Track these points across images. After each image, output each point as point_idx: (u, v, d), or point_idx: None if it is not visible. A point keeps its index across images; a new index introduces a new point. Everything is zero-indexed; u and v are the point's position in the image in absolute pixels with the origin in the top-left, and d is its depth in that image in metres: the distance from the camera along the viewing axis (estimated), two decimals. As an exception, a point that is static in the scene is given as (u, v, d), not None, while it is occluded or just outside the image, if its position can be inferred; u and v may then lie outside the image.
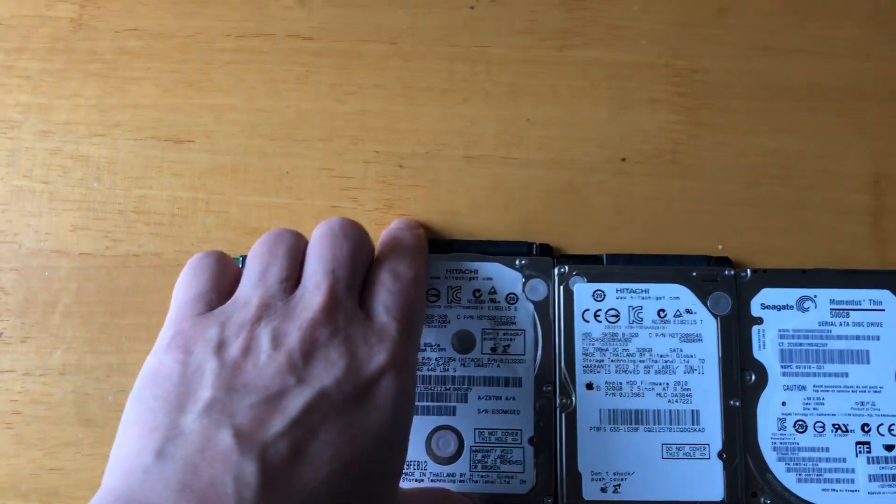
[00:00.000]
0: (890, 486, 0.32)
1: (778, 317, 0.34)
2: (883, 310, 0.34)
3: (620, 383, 0.33)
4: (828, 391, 0.33)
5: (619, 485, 0.32)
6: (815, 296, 0.34)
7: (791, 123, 0.36)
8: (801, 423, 0.33)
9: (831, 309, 0.34)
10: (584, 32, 0.36)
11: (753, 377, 0.33)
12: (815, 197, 0.35)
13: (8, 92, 0.36)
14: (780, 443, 0.33)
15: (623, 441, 0.32)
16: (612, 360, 0.33)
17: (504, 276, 0.33)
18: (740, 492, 0.32)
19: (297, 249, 0.29)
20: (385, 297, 0.28)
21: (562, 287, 0.33)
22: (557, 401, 0.32)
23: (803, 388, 0.33)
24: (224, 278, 0.29)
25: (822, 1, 0.36)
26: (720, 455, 0.32)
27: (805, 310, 0.34)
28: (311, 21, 0.37)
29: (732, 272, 0.34)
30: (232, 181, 0.35)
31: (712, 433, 0.32)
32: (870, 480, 0.33)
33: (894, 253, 0.35)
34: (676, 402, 0.32)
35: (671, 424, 0.32)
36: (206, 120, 0.36)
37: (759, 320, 0.34)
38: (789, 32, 0.36)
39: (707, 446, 0.32)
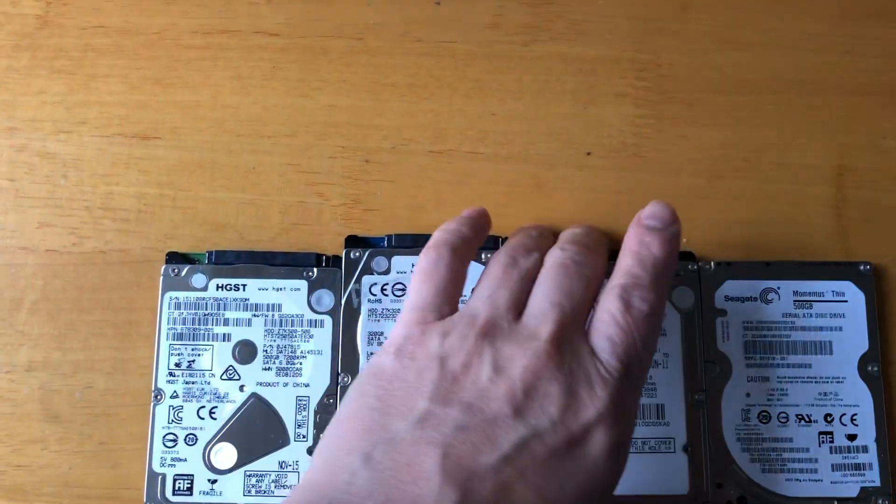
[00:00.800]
0: (852, 474, 0.33)
1: (742, 309, 0.34)
2: (846, 301, 0.34)
3: None
4: (791, 382, 0.33)
5: None
6: (779, 287, 0.34)
7: (754, 117, 0.36)
8: (764, 413, 0.33)
9: (794, 301, 0.34)
10: (548, 28, 0.37)
11: (718, 369, 0.33)
12: (778, 189, 0.35)
13: (-27, 89, 0.36)
14: (745, 433, 0.33)
15: None
16: None
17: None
18: (705, 484, 0.32)
19: (531, 273, 0.28)
20: (613, 333, 0.26)
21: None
22: None
23: (767, 378, 0.33)
24: (456, 286, 0.28)
25: (783, -5, 0.37)
26: (685, 448, 0.32)
27: (769, 301, 0.34)
28: (277, 17, 0.37)
29: (696, 266, 0.34)
30: (199, 177, 0.35)
31: (677, 427, 0.32)
32: (833, 470, 0.33)
33: (857, 245, 0.35)
34: (642, 396, 0.32)
35: (637, 419, 0.32)
36: (172, 116, 0.36)
37: (724, 312, 0.34)
38: (752, 27, 0.37)
39: (672, 440, 0.32)
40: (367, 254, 0.34)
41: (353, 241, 0.34)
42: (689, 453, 0.32)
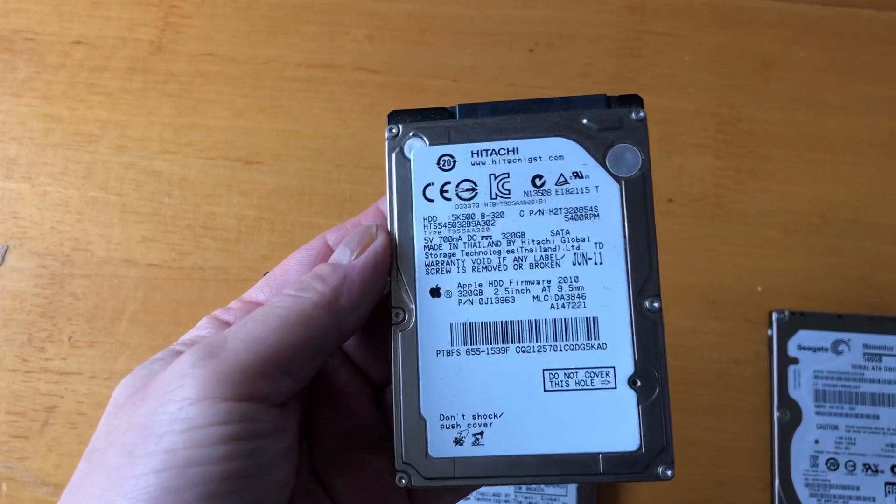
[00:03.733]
0: (917, 526, 0.34)
1: (813, 358, 0.35)
2: (913, 356, 0.35)
3: (480, 285, 0.24)
4: (859, 432, 0.35)
5: (480, 433, 0.23)
6: (849, 340, 0.35)
7: (830, 174, 0.38)
8: (832, 461, 0.34)
9: (864, 353, 0.35)
10: (636, 79, 0.38)
11: (789, 415, 0.35)
12: (850, 245, 0.37)
13: (89, 108, 0.38)
14: (813, 479, 0.34)
15: (486, 368, 0.23)
16: (468, 253, 0.24)
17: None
18: (664, 436, 0.22)
19: None
20: None
21: (394, 154, 0.25)
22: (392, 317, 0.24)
23: (836, 427, 0.35)
24: None
25: (863, 61, 0.39)
26: (632, 382, 0.23)
27: (839, 352, 0.35)
28: (379, 55, 0.39)
29: (642, 114, 0.24)
30: (297, 203, 0.37)
31: (618, 350, 0.23)
32: (898, 520, 0.34)
33: (925, 302, 0.36)
34: (563, 307, 0.23)
35: (556, 341, 0.23)
36: (274, 143, 0.38)
37: (796, 360, 0.35)
38: (830, 88, 0.39)
39: (611, 370, 0.23)
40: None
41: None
42: (638, 389, 0.23)
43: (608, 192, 0.24)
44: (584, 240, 0.24)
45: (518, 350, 0.23)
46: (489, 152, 0.25)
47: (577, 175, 0.24)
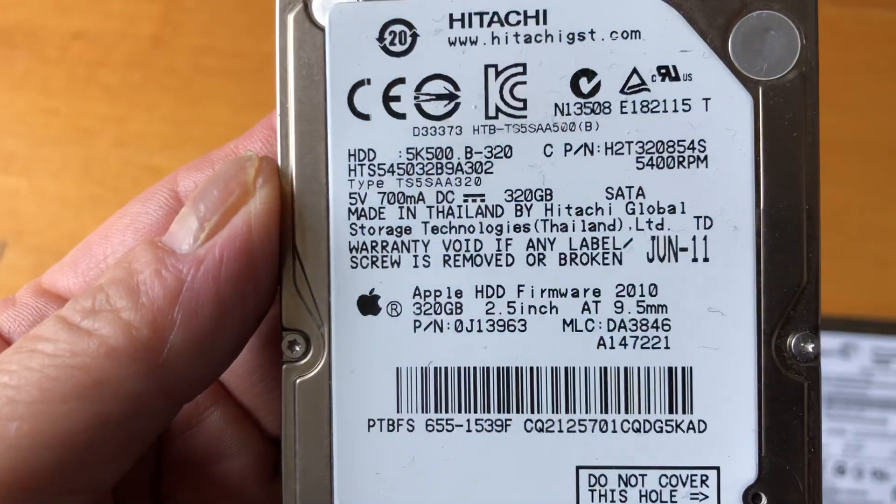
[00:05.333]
0: (925, 533, 0.33)
1: (821, 362, 0.35)
2: (922, 361, 0.35)
3: (458, 293, 0.13)
4: (867, 437, 0.34)
5: None
6: (859, 344, 0.35)
7: (839, 175, 0.37)
8: (840, 466, 0.34)
9: (873, 357, 0.35)
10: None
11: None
12: (860, 248, 0.36)
13: (88, 102, 0.37)
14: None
15: (466, 459, 0.13)
16: (436, 228, 0.14)
17: None
18: None
19: None
20: None
21: (290, 18, 0.14)
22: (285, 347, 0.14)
23: (843, 432, 0.34)
24: None
25: (873, 62, 0.38)
26: (751, 497, 0.13)
27: (848, 357, 0.35)
28: (383, 51, 0.38)
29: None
30: (298, 200, 0.37)
31: (728, 434, 0.13)
32: (906, 527, 0.33)
33: (934, 306, 0.36)
34: (622, 345, 0.13)
35: (606, 413, 0.13)
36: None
37: (803, 364, 0.35)
38: (839, 88, 0.38)
39: (712, 473, 0.13)
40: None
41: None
42: None
43: (730, 111, 0.13)
44: (673, 210, 0.13)
45: (530, 426, 0.13)
46: (487, 18, 0.13)
47: (666, 73, 0.13)
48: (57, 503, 0.11)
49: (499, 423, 0.13)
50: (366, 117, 0.13)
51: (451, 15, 0.13)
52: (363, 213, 0.13)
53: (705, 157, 0.13)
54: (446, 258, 0.13)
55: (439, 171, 0.13)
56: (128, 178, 0.37)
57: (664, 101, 0.13)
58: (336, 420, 0.13)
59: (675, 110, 0.13)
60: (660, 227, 0.13)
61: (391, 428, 0.13)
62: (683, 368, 0.13)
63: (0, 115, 0.37)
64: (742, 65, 0.13)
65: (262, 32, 0.38)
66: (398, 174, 0.13)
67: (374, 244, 0.13)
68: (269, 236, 0.13)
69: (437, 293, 0.13)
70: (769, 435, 0.12)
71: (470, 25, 0.13)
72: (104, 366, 0.11)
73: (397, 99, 0.13)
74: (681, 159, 0.13)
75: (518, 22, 0.13)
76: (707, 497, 0.13)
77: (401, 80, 0.13)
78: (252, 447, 0.15)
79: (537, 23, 0.13)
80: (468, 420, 0.13)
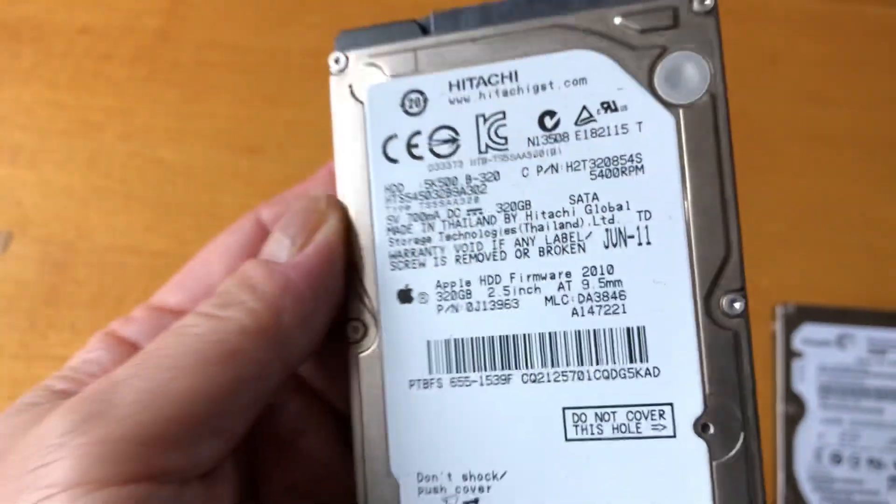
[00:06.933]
0: (921, 521, 0.33)
1: (818, 352, 0.35)
2: (918, 351, 0.35)
3: (468, 283, 0.17)
4: (864, 426, 0.35)
5: (475, 500, 0.16)
6: (854, 334, 0.35)
7: (835, 169, 0.38)
8: (836, 455, 0.34)
9: (869, 347, 0.35)
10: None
11: (793, 409, 0.34)
12: (855, 240, 0.37)
13: (94, 96, 0.38)
14: (816, 473, 0.34)
15: (480, 406, 0.17)
16: (449, 237, 0.17)
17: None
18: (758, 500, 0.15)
19: None
20: None
21: (340, 95, 0.19)
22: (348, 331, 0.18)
23: (840, 421, 0.35)
24: None
25: (870, 57, 0.39)
26: (701, 426, 0.15)
27: (844, 347, 0.35)
28: (385, 45, 0.39)
29: (708, 1, 0.17)
30: (301, 192, 0.37)
31: (678, 377, 0.15)
32: (901, 515, 0.34)
33: (930, 297, 0.36)
34: (591, 312, 0.16)
35: (582, 365, 0.16)
36: (278, 132, 0.38)
37: (800, 354, 0.35)
38: (837, 83, 0.38)
39: (667, 408, 0.16)
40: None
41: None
42: (710, 437, 0.15)
43: (658, 129, 0.16)
44: (620, 207, 0.16)
45: (526, 379, 0.16)
46: (475, 82, 0.17)
47: (608, 107, 0.16)
48: (204, 442, 0.15)
49: (503, 377, 0.17)
50: (395, 161, 0.18)
51: (450, 82, 0.17)
52: (397, 230, 0.18)
53: (642, 166, 0.16)
54: (457, 258, 0.17)
55: (448, 195, 0.17)
56: (133, 171, 0.37)
57: (608, 127, 0.17)
58: (387, 382, 0.17)
59: (617, 133, 0.16)
60: (612, 221, 0.16)
61: (426, 386, 0.17)
62: (638, 328, 0.16)
63: (7, 109, 0.38)
64: (665, 94, 0.16)
65: (267, 27, 0.39)
66: (420, 200, 0.18)
67: (406, 252, 0.18)
68: (340, 247, 0.17)
69: (453, 284, 0.17)
70: (710, 376, 0.15)
71: (464, 88, 0.17)
72: (238, 340, 0.15)
73: (416, 146, 0.18)
74: (624, 169, 0.16)
75: (497, 81, 0.17)
76: (665, 427, 0.16)
77: (418, 133, 0.18)
78: (326, 424, 0.19)
79: (511, 80, 0.17)
80: (480, 377, 0.17)
